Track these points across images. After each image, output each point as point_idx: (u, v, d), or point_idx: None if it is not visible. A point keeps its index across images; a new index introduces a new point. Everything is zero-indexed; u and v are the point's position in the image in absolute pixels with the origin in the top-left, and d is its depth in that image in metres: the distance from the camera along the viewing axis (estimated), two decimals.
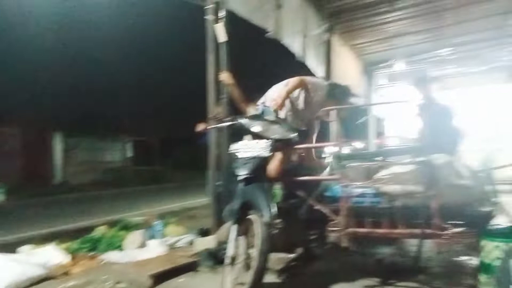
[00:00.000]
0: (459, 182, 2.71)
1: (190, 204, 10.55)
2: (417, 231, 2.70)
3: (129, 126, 23.21)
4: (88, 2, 17.01)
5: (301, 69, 7.07)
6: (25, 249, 4.54)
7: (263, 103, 3.74)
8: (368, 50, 10.24)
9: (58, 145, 19.30)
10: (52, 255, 3.78)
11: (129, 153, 23.79)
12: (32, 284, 3.45)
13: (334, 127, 3.01)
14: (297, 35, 6.63)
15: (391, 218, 2.74)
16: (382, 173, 2.81)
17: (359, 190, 3.00)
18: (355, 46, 9.81)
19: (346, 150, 3.96)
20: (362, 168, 2.85)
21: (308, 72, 7.39)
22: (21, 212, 10.40)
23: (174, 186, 18.50)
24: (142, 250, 4.28)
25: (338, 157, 2.90)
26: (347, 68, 9.39)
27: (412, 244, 4.22)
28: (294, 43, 6.55)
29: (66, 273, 3.74)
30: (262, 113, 3.58)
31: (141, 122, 23.61)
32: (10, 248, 5.17)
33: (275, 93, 3.68)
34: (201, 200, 10.33)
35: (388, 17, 8.00)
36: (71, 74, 20.89)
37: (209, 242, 4.30)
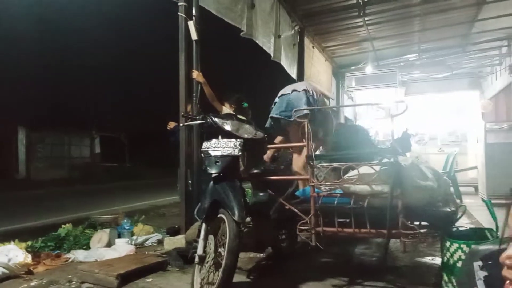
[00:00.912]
0: (424, 183, 2.81)
1: (159, 202, 10.41)
2: (383, 230, 2.78)
3: (97, 121, 22.67)
4: None
5: (275, 69, 7.14)
6: None
7: (304, 90, 3.74)
8: (338, 53, 10.46)
9: (21, 140, 18.58)
10: (14, 253, 3.63)
11: (97, 149, 23.21)
12: None
13: (304, 127, 3.04)
14: (270, 35, 6.67)
15: (358, 218, 2.81)
16: (351, 174, 2.88)
17: (328, 190, 3.06)
18: (326, 49, 9.99)
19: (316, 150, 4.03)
20: (332, 169, 2.91)
21: (283, 73, 7.47)
22: None
23: (142, 184, 18.20)
24: (110, 249, 4.20)
25: (308, 158, 2.94)
26: (319, 70, 9.55)
27: (379, 244, 4.36)
28: (267, 44, 6.59)
29: (29, 272, 3.62)
30: (308, 99, 3.62)
31: (110, 118, 23.11)
32: None
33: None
34: (170, 198, 10.24)
35: (358, 22, 8.18)
36: (37, 67, 20.14)
37: (178, 241, 4.29)
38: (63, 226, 5.01)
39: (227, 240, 2.57)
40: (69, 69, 21.83)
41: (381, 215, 2.74)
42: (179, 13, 4.47)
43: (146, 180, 19.58)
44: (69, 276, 3.53)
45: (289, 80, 7.67)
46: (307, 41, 8.53)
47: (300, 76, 8.05)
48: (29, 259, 3.70)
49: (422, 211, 2.85)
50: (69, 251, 4.41)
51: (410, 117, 4.88)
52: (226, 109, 4.98)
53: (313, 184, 2.92)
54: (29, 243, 4.58)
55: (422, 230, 2.73)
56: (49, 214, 8.19)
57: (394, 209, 2.70)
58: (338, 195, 2.98)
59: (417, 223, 2.87)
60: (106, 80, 23.67)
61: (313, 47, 9.11)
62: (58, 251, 4.39)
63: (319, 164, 2.94)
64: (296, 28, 7.93)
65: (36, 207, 10.03)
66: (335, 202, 2.91)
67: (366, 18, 7.93)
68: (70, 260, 4.09)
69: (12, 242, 4.32)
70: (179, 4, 4.46)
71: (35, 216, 7.89)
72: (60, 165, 20.14)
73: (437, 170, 3.16)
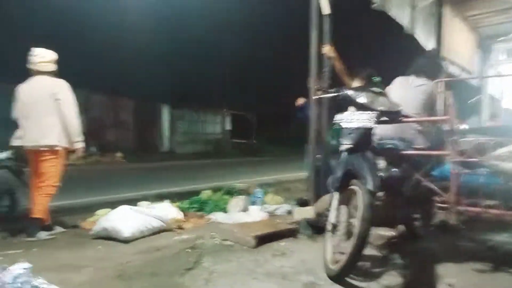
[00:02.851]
0: None
1: (284, 178, 10.81)
2: None
3: (228, 100, 24.27)
4: None
5: (409, 42, 6.72)
6: (143, 204, 5.17)
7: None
8: (484, 23, 9.24)
9: (165, 117, 20.97)
10: (168, 211, 4.23)
11: (228, 126, 24.91)
12: (153, 233, 3.95)
13: (446, 100, 2.86)
14: (405, 6, 6.27)
15: (507, 199, 2.57)
16: (501, 151, 2.62)
17: (472, 167, 2.84)
18: (469, 18, 8.93)
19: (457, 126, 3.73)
20: (477, 144, 2.68)
21: (417, 46, 6.99)
22: (135, 175, 11.68)
23: (268, 160, 19.05)
24: (245, 214, 4.59)
25: (451, 132, 2.77)
26: (459, 42, 8.64)
27: None
28: (401, 15, 6.21)
29: (179, 227, 4.19)
30: None
31: (240, 97, 24.51)
32: (129, 203, 5.94)
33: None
34: (295, 174, 10.53)
35: None
36: (177, 53, 22.38)
37: (307, 212, 4.45)
38: (204, 191, 5.61)
39: (359, 209, 2.59)
40: (204, 54, 23.77)
41: None
42: None
43: (271, 157, 20.45)
44: (212, 233, 3.97)
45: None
46: (447, 10, 7.76)
47: (438, 50, 7.42)
48: (181, 215, 4.27)
49: None
50: (210, 212, 4.94)
51: None
52: (357, 84, 4.90)
53: (454, 160, 2.75)
54: (178, 203, 5.27)
55: None
56: (189, 182, 9.19)
57: None
58: (484, 173, 2.76)
59: None
60: (236, 62, 25.06)
61: (454, 16, 8.26)
62: (201, 212, 4.96)
63: (464, 139, 2.75)
64: None
65: (178, 175, 11.32)
66: (480, 181, 2.70)
67: None
68: (211, 221, 4.59)
69: (165, 201, 5.04)
70: None
71: (178, 183, 8.93)
72: (196, 140, 22.30)
73: None
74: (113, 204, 6.20)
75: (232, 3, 22.78)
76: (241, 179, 9.94)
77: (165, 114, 20.88)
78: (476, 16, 8.93)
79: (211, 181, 9.37)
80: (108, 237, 3.80)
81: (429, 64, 3.84)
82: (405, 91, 3.60)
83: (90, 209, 5.42)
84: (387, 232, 3.91)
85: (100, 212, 4.76)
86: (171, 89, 20.88)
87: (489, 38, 10.03)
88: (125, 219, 3.81)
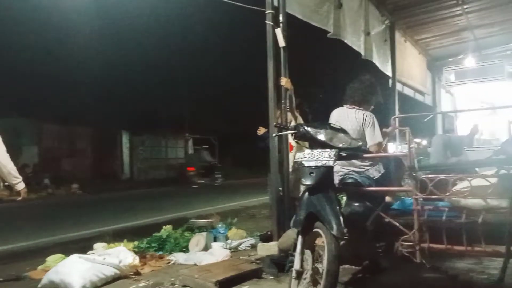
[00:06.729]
0: None
1: (249, 203, 10.65)
2: (500, 249, 2.49)
3: (191, 124, 23.95)
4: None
5: (366, 68, 6.85)
6: (99, 246, 4.84)
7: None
8: (433, 45, 9.65)
9: (125, 143, 20.37)
10: (124, 255, 3.96)
11: (191, 150, 24.50)
12: (107, 283, 3.65)
13: (405, 135, 2.85)
14: (360, 33, 6.41)
15: (471, 235, 2.54)
16: (461, 186, 2.61)
17: (434, 203, 2.82)
18: (419, 41, 9.31)
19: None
20: (438, 180, 2.66)
21: (375, 71, 7.15)
22: (93, 207, 11.14)
23: (232, 184, 18.85)
24: (207, 253, 4.37)
25: (411, 168, 2.74)
26: (412, 64, 8.97)
27: (491, 259, 3.90)
28: (357, 42, 6.34)
29: (137, 273, 3.91)
30: None
31: (201, 120, 24.28)
32: (84, 242, 5.60)
33: None
34: (259, 199, 10.41)
35: (456, 10, 7.48)
36: (136, 78, 21.96)
37: (271, 248, 4.32)
38: (164, 227, 5.34)
39: (325, 261, 2.47)
40: (165, 77, 23.52)
41: (498, 232, 2.45)
42: (266, 22, 4.49)
43: (235, 180, 20.25)
44: (172, 279, 3.73)
45: (381, 77, 7.34)
46: (398, 35, 8.05)
47: (393, 73, 7.65)
48: (137, 261, 4.00)
49: None
50: (170, 252, 4.68)
51: None
52: (299, 116, 4.95)
53: (416, 197, 2.71)
54: (136, 243, 4.97)
55: None
56: (150, 213, 8.84)
57: None
58: (446, 209, 2.73)
59: None
60: (196, 85, 24.96)
61: (405, 41, 8.58)
62: (160, 252, 4.70)
63: (424, 176, 2.72)
64: (386, 22, 7.53)
65: (139, 206, 10.89)
66: (443, 217, 2.67)
67: (465, 6, 7.23)
68: (171, 262, 4.34)
69: (121, 244, 4.74)
70: (266, 12, 4.47)
71: (138, 216, 8.58)
72: (158, 166, 21.77)
73: None
74: (66, 245, 5.85)
75: (192, 26, 22.79)
76: (205, 207, 9.69)
77: (125, 140, 20.31)
78: (426, 40, 9.32)
79: (174, 211, 9.07)
80: None
81: (360, 92, 3.83)
82: (342, 123, 3.57)
83: (40, 254, 5.04)
84: (352, 267, 3.83)
85: (51, 258, 4.38)
86: (130, 115, 20.35)
87: (439, 59, 10.47)
88: (75, 271, 3.51)
